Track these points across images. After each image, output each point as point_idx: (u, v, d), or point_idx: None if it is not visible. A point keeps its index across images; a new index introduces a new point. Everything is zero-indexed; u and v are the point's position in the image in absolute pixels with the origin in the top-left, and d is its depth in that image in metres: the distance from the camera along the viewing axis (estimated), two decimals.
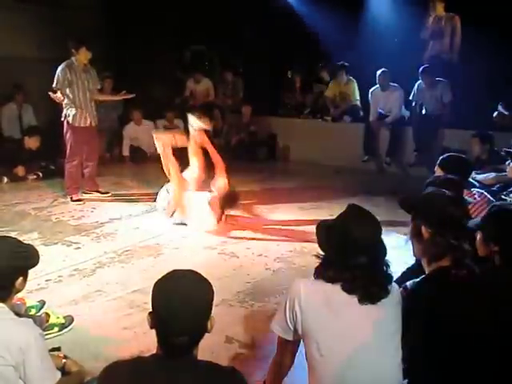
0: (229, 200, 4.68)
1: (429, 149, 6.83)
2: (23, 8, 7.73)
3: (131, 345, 2.77)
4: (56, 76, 5.43)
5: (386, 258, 1.87)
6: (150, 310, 1.60)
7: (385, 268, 1.86)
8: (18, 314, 2.18)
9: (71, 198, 5.67)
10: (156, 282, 1.61)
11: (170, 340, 1.53)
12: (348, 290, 1.78)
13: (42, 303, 3.15)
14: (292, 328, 1.85)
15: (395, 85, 7.30)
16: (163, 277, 1.62)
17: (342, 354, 1.75)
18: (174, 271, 1.65)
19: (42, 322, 2.85)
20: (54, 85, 5.46)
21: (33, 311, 3.03)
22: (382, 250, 1.87)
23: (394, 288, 1.88)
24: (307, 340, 1.82)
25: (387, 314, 1.82)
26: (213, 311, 1.63)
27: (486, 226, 2.12)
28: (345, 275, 1.79)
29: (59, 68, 5.45)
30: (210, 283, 1.65)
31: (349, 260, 1.80)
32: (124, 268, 3.91)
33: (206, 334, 1.61)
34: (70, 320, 2.98)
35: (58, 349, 2.62)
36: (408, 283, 2.01)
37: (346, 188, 6.38)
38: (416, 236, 2.01)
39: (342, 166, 7.38)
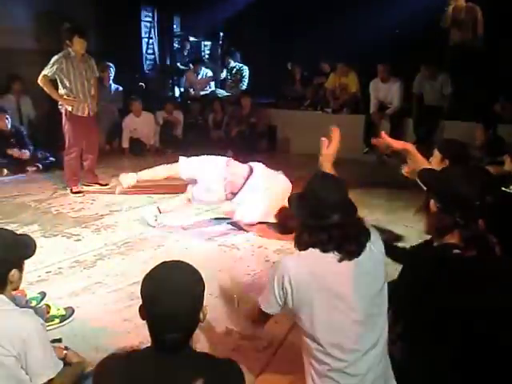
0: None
1: (429, 141, 6.82)
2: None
3: (131, 336, 2.78)
4: (49, 64, 5.38)
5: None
6: None
7: (360, 224, 1.93)
8: (19, 306, 2.18)
9: (71, 189, 5.67)
10: (144, 278, 1.59)
11: (162, 337, 1.52)
12: (325, 250, 1.83)
13: (43, 295, 3.16)
14: (281, 304, 1.89)
15: (395, 76, 7.28)
16: (151, 271, 1.59)
17: (331, 322, 1.81)
18: (163, 265, 1.62)
19: (43, 314, 2.85)
20: (44, 72, 5.38)
21: (33, 303, 3.04)
22: (352, 207, 1.94)
23: (374, 242, 1.92)
24: (297, 312, 1.86)
25: (370, 269, 1.87)
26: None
27: (488, 216, 2.11)
28: (321, 236, 1.85)
29: (55, 57, 5.41)
30: (199, 274, 1.62)
31: (323, 220, 1.85)
32: (124, 260, 3.92)
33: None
34: (70, 312, 2.99)
35: (59, 340, 2.63)
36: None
37: (347, 180, 6.35)
38: (426, 209, 2.02)
39: (342, 158, 7.36)
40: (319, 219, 1.87)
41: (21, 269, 2.05)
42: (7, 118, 6.71)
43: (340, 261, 1.82)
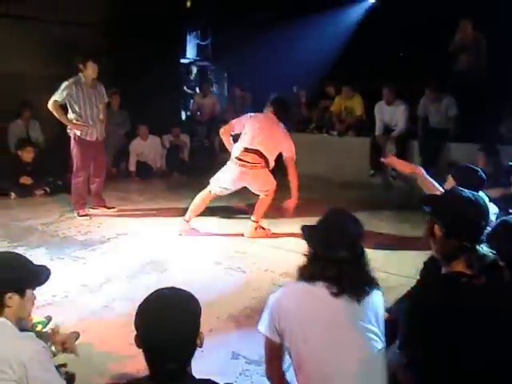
0: None
1: (435, 163, 6.83)
2: (31, 25, 7.85)
3: (137, 361, 2.74)
4: (60, 89, 5.46)
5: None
6: None
7: (368, 269, 1.94)
8: (25, 330, 2.17)
9: (78, 213, 5.70)
10: (138, 308, 1.58)
11: (159, 366, 1.50)
12: (336, 291, 1.85)
13: (49, 319, 3.14)
14: (275, 329, 1.94)
15: (400, 99, 7.33)
16: (144, 301, 1.58)
17: (320, 355, 1.82)
18: (156, 293, 1.61)
19: (49, 338, 2.84)
20: (54, 97, 5.44)
21: (39, 327, 3.03)
22: (362, 249, 1.95)
23: (378, 293, 1.95)
24: (289, 336, 1.89)
25: (367, 312, 1.88)
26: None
27: (494, 240, 2.08)
28: (329, 270, 1.87)
29: (65, 83, 5.48)
30: (195, 299, 1.61)
31: (332, 253, 1.88)
32: (130, 283, 3.91)
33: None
34: (76, 336, 2.96)
35: (64, 365, 2.61)
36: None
37: (352, 202, 6.36)
38: (430, 235, 1.96)
39: (349, 180, 7.39)
40: (329, 250, 1.89)
41: (22, 295, 1.98)
42: (34, 152, 6.89)
43: (348, 298, 1.84)
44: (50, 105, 5.46)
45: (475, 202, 1.91)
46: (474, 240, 1.85)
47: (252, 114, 5.11)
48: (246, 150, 4.82)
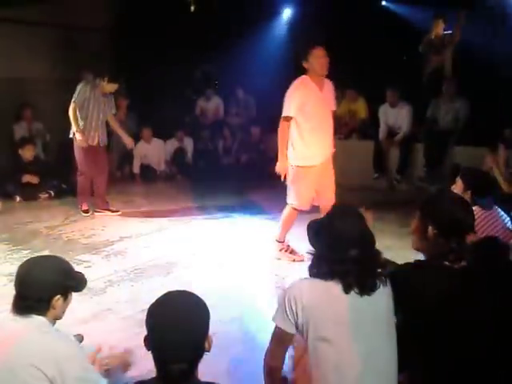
0: None
1: (439, 165, 6.82)
2: (37, 30, 7.89)
3: (140, 364, 2.75)
4: (77, 91, 5.54)
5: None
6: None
7: (378, 258, 1.94)
8: None
9: (81, 207, 5.80)
10: (149, 309, 1.61)
11: (167, 367, 1.51)
12: (345, 286, 1.83)
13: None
14: (293, 322, 1.89)
15: (404, 101, 7.32)
16: (156, 302, 1.62)
17: (339, 345, 1.80)
18: (166, 295, 1.64)
19: None
20: (73, 99, 5.53)
21: None
22: (370, 241, 1.94)
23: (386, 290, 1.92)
24: (308, 330, 1.85)
25: (383, 303, 1.88)
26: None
27: None
28: (336, 268, 1.85)
29: (81, 84, 5.59)
30: (203, 302, 1.63)
31: (339, 254, 1.87)
32: (134, 287, 3.91)
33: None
34: (79, 339, 2.96)
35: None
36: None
37: (356, 205, 6.34)
38: (421, 233, 2.01)
39: (352, 183, 7.38)
40: (335, 253, 1.88)
41: (65, 298, 2.05)
42: (34, 150, 6.95)
43: (360, 294, 1.83)
44: (70, 107, 5.53)
45: (467, 206, 2.02)
46: (462, 244, 1.91)
47: None
48: None
